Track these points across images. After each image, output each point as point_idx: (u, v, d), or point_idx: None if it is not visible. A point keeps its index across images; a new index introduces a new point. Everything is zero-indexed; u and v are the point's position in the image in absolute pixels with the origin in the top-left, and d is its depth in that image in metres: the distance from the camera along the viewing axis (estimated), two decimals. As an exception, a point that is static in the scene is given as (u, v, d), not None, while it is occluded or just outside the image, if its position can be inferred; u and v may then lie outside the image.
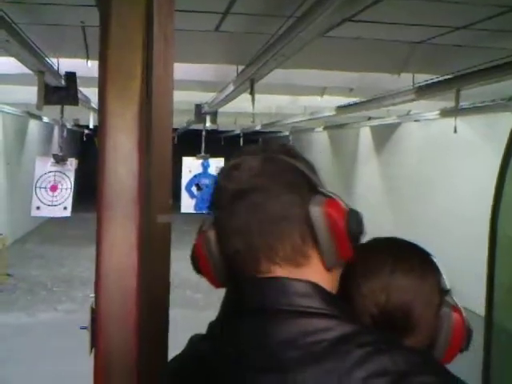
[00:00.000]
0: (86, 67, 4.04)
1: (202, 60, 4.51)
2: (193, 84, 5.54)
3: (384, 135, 11.71)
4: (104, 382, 0.79)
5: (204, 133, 7.63)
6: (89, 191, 10.80)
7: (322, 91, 6.34)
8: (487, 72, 4.07)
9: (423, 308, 1.26)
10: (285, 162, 1.09)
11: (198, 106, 7.25)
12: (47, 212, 4.54)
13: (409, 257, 1.31)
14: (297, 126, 12.76)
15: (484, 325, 2.85)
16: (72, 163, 4.52)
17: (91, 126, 8.33)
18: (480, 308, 2.96)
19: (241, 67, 4.45)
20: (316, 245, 1.06)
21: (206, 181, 7.05)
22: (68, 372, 5.45)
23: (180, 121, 11.02)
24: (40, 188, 4.46)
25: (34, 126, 14.38)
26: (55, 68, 4.37)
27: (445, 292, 1.30)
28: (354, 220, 1.07)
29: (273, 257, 1.05)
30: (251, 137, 16.32)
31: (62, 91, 4.36)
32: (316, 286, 1.05)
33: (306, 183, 1.09)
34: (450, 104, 5.80)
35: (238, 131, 15.07)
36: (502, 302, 2.89)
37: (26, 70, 4.11)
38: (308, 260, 1.06)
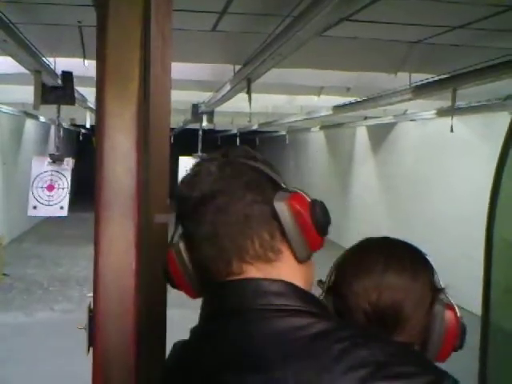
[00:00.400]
0: (83, 66, 4.04)
1: (199, 59, 4.51)
2: (189, 83, 5.53)
3: (380, 135, 11.71)
4: (102, 379, 0.79)
5: (201, 132, 7.62)
6: (85, 191, 10.78)
7: (318, 91, 6.33)
8: (484, 72, 4.07)
9: (414, 306, 1.28)
10: (243, 163, 1.11)
11: (195, 106, 7.24)
12: (44, 211, 4.53)
13: (401, 256, 1.33)
14: (293, 125, 12.76)
15: (480, 324, 2.85)
16: (69, 163, 4.50)
17: (88, 126, 8.32)
18: (476, 308, 2.96)
19: (238, 67, 4.44)
20: (285, 239, 1.07)
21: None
22: (66, 371, 5.45)
23: (176, 120, 11.01)
24: (37, 187, 4.45)
25: (30, 125, 14.36)
26: (52, 67, 4.37)
27: (438, 290, 1.31)
28: (319, 210, 1.09)
29: (244, 256, 1.06)
30: (248, 136, 16.31)
31: (58, 91, 4.35)
32: (290, 285, 1.06)
33: (267, 182, 1.10)
34: (447, 103, 5.81)
35: (234, 131, 15.06)
36: (499, 301, 2.89)
37: (22, 70, 4.10)
38: (279, 255, 1.08)
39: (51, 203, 4.48)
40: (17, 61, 3.76)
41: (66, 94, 4.37)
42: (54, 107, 4.65)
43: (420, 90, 4.94)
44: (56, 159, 4.50)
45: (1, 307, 8.03)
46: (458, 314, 1.30)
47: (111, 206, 0.81)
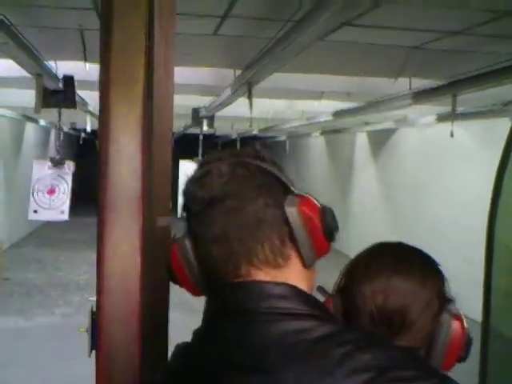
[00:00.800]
0: (84, 70, 4.05)
1: (200, 64, 4.51)
2: (190, 88, 5.54)
3: (381, 140, 11.71)
4: (106, 382, 0.79)
5: (201, 137, 7.62)
6: (85, 195, 10.77)
7: (319, 96, 6.34)
8: (483, 77, 4.08)
9: (420, 312, 1.29)
10: (255, 165, 1.10)
11: (195, 110, 7.24)
12: (45, 216, 4.52)
13: (410, 261, 1.34)
14: (294, 130, 12.76)
15: (481, 330, 2.85)
16: (70, 166, 4.49)
17: (88, 130, 8.32)
18: (476, 313, 2.96)
19: (238, 71, 4.45)
20: (294, 244, 1.07)
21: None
22: (67, 375, 5.45)
23: (177, 125, 11.01)
24: (37, 191, 4.44)
25: (30, 129, 14.36)
26: (53, 71, 4.37)
27: (448, 300, 1.32)
28: (329, 216, 1.09)
29: (252, 260, 1.06)
30: (248, 141, 16.30)
31: (59, 94, 4.35)
32: (293, 288, 1.06)
33: (278, 185, 1.10)
34: (447, 109, 5.81)
35: (234, 136, 15.05)
36: (499, 307, 2.90)
37: (23, 73, 4.11)
38: (287, 261, 1.07)
39: (52, 207, 4.48)
40: (18, 64, 3.76)
41: (67, 98, 4.37)
42: (54, 111, 4.65)
43: (420, 96, 4.95)
44: (57, 163, 4.49)
45: (1, 311, 8.02)
46: (466, 326, 1.31)
47: (116, 207, 0.81)
